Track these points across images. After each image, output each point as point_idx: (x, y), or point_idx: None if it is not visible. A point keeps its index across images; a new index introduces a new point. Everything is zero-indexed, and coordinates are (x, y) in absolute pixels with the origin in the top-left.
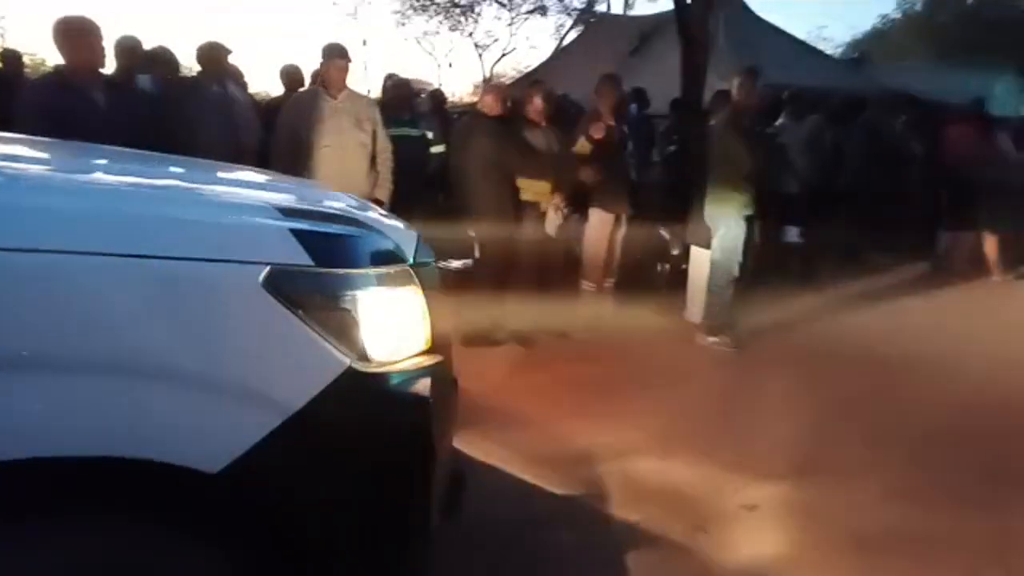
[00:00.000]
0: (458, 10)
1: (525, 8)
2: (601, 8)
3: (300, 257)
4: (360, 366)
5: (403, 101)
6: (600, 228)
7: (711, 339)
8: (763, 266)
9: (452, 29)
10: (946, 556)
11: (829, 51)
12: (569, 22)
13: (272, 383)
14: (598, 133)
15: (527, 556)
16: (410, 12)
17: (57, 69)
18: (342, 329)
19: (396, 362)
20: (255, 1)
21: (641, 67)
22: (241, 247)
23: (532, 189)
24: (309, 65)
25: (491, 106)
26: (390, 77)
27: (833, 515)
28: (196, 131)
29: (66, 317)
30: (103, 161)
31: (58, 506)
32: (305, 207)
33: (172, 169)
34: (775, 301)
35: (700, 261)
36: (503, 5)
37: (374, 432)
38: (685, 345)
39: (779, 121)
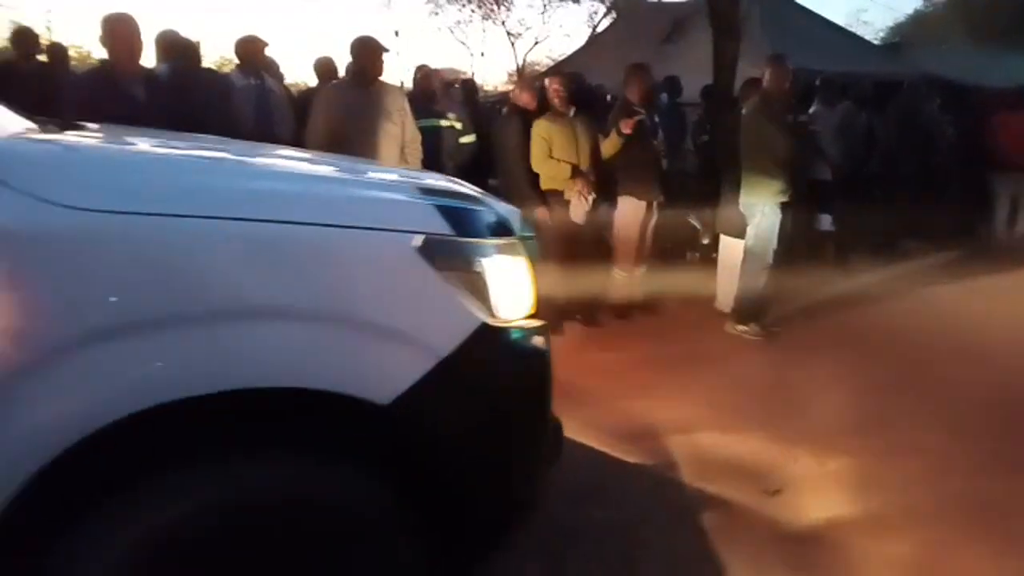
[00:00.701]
0: None
1: None
2: None
3: (444, 228)
4: (491, 321)
5: (429, 91)
6: (631, 215)
7: (740, 327)
8: (796, 254)
9: (485, 18)
10: (1005, 521)
11: (869, 36)
12: (602, 9)
13: (427, 332)
14: (627, 129)
15: (602, 521)
16: (443, 2)
17: (102, 63)
18: (476, 290)
19: (515, 320)
20: None
21: (675, 54)
22: (402, 220)
23: (549, 175)
24: (343, 56)
25: (527, 101)
26: (420, 68)
27: (893, 484)
28: (233, 123)
29: (287, 275)
30: (266, 153)
31: (264, 435)
32: (439, 187)
33: (321, 160)
34: (809, 288)
35: (730, 250)
36: None
37: (503, 376)
38: (717, 332)
39: (812, 108)
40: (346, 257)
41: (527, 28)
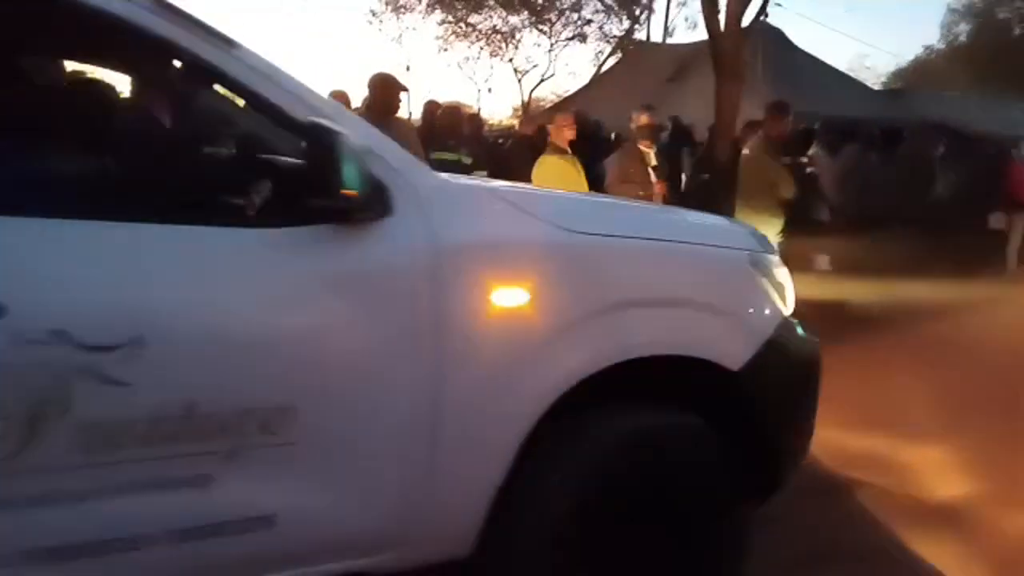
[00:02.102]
0: (499, 36)
1: (565, 35)
2: (640, 36)
3: (757, 247)
4: (786, 313)
5: (452, 126)
6: None
7: None
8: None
9: (492, 55)
10: None
11: (871, 80)
12: (608, 49)
13: (759, 320)
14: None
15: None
16: (452, 38)
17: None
18: (778, 291)
19: (792, 314)
20: (299, 23)
21: (678, 95)
22: (739, 241)
23: None
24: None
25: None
26: (429, 103)
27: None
28: None
29: (677, 275)
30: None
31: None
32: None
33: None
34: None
35: None
36: (543, 32)
37: (799, 355)
38: None
39: (811, 151)
40: (712, 265)
41: (534, 65)
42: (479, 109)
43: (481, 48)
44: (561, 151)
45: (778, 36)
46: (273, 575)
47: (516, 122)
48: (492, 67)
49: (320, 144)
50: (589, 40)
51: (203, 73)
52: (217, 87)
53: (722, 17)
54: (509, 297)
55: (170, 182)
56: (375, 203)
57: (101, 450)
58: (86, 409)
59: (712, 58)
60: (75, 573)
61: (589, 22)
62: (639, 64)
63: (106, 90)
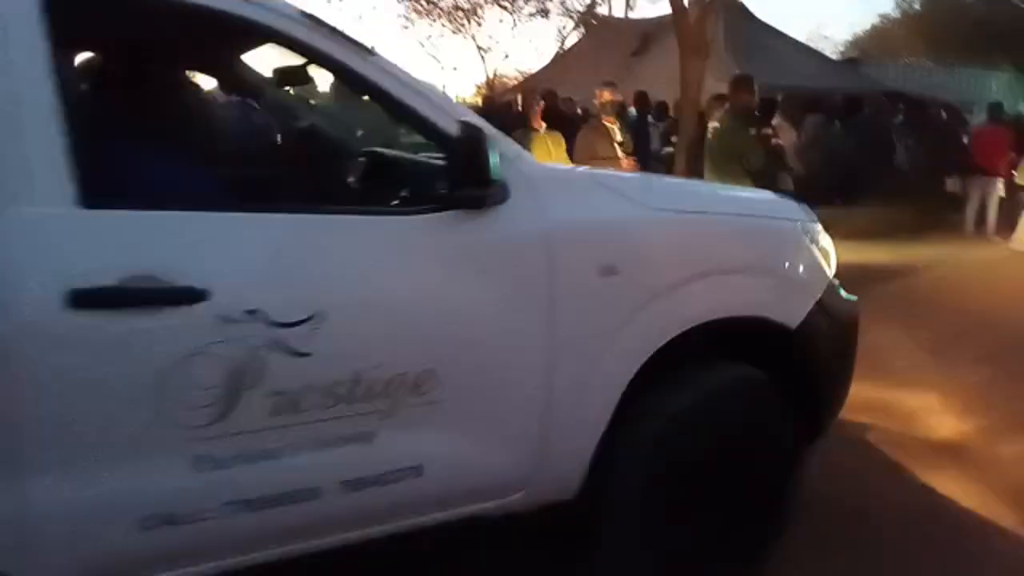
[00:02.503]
0: (461, 13)
1: (527, 11)
2: (602, 11)
3: (807, 217)
4: (831, 276)
5: None
6: None
7: None
8: None
9: (455, 32)
10: None
11: (829, 50)
12: (571, 24)
13: (812, 283)
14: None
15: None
16: (414, 16)
17: None
18: (824, 256)
19: (835, 277)
20: None
21: (643, 69)
22: (793, 213)
23: None
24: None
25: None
26: None
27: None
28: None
29: (748, 245)
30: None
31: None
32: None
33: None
34: None
35: None
36: (505, 8)
37: (844, 315)
38: None
39: (774, 122)
40: (772, 235)
41: (496, 43)
42: (444, 87)
43: (443, 25)
44: (532, 129)
45: (739, 8)
46: (420, 517)
47: (479, 100)
48: (456, 45)
49: (472, 141)
50: (552, 16)
51: (356, 85)
52: (366, 97)
53: None
54: (607, 267)
55: (340, 180)
56: (500, 190)
57: (286, 413)
58: (275, 378)
59: (676, 31)
60: (268, 521)
61: None
62: (603, 39)
63: (291, 105)
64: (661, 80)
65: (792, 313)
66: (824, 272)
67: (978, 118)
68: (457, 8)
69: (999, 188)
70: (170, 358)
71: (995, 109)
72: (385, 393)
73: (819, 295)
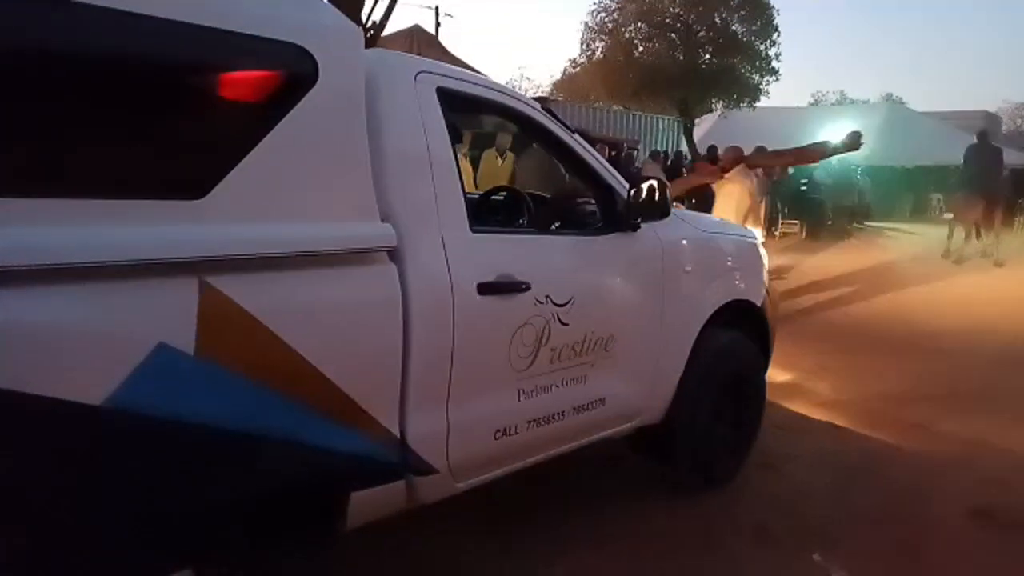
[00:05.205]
0: None
1: None
2: None
3: (756, 237)
4: (768, 278)
5: None
6: None
7: None
8: None
9: None
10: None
11: (531, 92)
12: None
13: (765, 277)
14: None
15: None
16: None
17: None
18: (766, 260)
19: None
20: None
21: None
22: (751, 234)
23: None
24: None
25: None
26: None
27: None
28: None
29: (737, 254)
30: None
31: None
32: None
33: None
34: None
35: None
36: None
37: (773, 292)
38: None
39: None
40: (749, 247)
41: None
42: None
43: None
44: None
45: (440, 47)
46: (601, 432)
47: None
48: None
49: (662, 186)
50: None
51: (569, 156)
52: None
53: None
54: (688, 265)
55: (570, 215)
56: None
57: (555, 363)
58: (553, 338)
59: None
60: (542, 434)
61: None
62: None
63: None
64: None
65: (759, 296)
66: (766, 269)
67: (643, 157)
68: None
69: None
70: (517, 325)
71: (655, 152)
72: (593, 349)
73: (768, 285)
